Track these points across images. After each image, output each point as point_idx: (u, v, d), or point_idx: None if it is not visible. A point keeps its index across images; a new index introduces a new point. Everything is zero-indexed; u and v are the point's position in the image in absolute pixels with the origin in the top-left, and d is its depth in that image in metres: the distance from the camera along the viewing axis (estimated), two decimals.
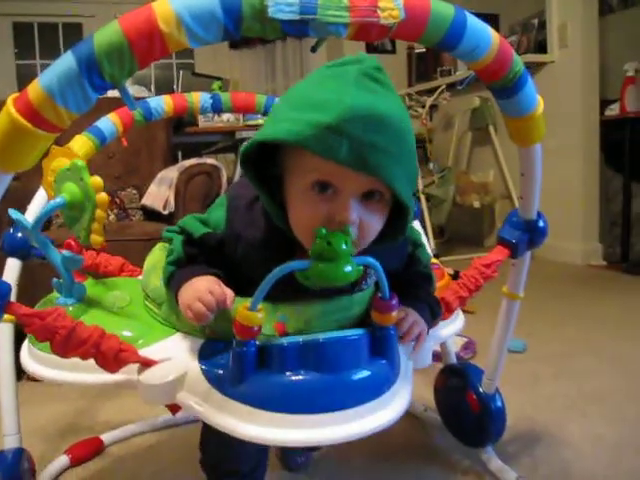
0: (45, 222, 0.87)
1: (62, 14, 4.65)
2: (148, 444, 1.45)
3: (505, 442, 1.36)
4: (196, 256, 0.79)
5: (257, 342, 0.67)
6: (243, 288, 0.73)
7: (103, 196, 0.79)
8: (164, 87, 4.54)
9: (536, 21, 3.83)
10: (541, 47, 3.73)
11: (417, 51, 4.87)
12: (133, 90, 3.56)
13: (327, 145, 0.61)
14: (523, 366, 1.88)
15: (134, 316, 0.86)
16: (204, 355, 0.72)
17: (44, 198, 1.13)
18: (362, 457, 1.35)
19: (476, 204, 3.93)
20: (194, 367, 0.71)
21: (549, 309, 2.57)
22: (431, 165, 4.11)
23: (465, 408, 1.30)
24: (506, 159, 3.90)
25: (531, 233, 1.03)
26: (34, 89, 0.51)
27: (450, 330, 1.03)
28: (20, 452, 1.09)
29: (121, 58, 0.50)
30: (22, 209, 1.11)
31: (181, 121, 3.34)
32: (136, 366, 0.72)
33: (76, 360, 0.71)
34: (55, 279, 0.89)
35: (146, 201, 2.65)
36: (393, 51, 4.97)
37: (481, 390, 1.28)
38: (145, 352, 0.73)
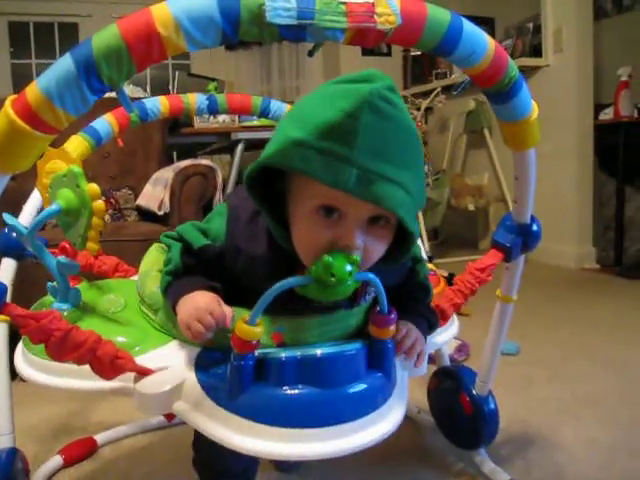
0: None
1: (58, 14, 4.63)
2: (141, 445, 1.44)
3: (498, 445, 1.37)
4: (194, 267, 0.77)
5: (255, 354, 0.67)
6: (241, 299, 0.73)
7: (99, 203, 0.78)
8: (159, 87, 4.53)
9: (531, 25, 3.85)
10: (536, 51, 3.75)
11: (413, 54, 4.88)
12: (128, 90, 3.55)
13: (336, 175, 0.59)
14: (516, 369, 1.89)
15: (129, 322, 0.85)
16: (201, 365, 0.72)
17: (39, 200, 1.13)
18: (355, 458, 1.33)
19: (470, 207, 3.95)
20: (191, 377, 0.71)
21: (543, 312, 2.58)
22: (426, 167, 4.11)
23: (458, 410, 1.31)
24: (501, 162, 3.91)
25: (525, 237, 1.04)
26: (32, 91, 0.51)
27: (445, 336, 1.04)
28: (14, 452, 1.09)
29: (119, 61, 0.50)
30: (17, 210, 1.11)
31: (177, 122, 3.34)
32: (132, 373, 0.72)
33: (70, 365, 0.71)
34: (50, 283, 0.89)
35: (141, 201, 2.65)
36: (389, 54, 4.97)
37: (474, 392, 1.28)
38: (141, 360, 0.73)
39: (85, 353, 0.68)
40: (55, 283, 0.88)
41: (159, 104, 1.37)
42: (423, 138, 4.13)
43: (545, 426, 1.50)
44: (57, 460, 1.31)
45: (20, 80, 4.45)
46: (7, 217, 0.82)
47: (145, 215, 2.62)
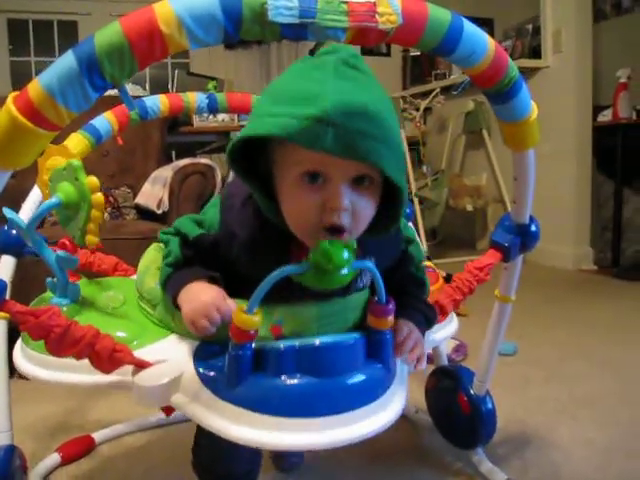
0: None
1: (57, 11, 4.63)
2: (139, 443, 1.45)
3: (496, 444, 1.37)
4: (193, 258, 0.78)
5: (253, 345, 0.67)
6: (238, 289, 0.73)
7: (99, 196, 0.79)
8: (159, 86, 4.52)
9: (530, 26, 3.86)
10: (535, 52, 3.75)
11: (412, 54, 4.88)
12: (128, 88, 3.54)
13: (312, 136, 0.61)
14: (514, 369, 1.89)
15: (128, 317, 0.86)
16: (199, 357, 0.72)
17: (38, 197, 1.13)
18: (354, 458, 1.35)
19: (469, 207, 3.95)
20: (189, 369, 0.71)
21: (540, 313, 2.58)
22: (424, 168, 4.12)
23: (456, 410, 1.31)
24: (499, 163, 3.91)
25: (523, 237, 1.04)
26: (34, 88, 0.51)
27: (444, 334, 1.04)
28: (12, 449, 1.09)
29: (121, 58, 0.50)
30: (17, 207, 1.10)
31: (176, 121, 3.33)
32: (130, 367, 0.72)
33: (70, 360, 0.71)
34: (49, 279, 0.89)
35: (140, 200, 2.64)
36: (388, 54, 4.98)
37: (472, 392, 1.29)
38: (140, 354, 0.73)
39: (84, 348, 0.68)
40: (54, 279, 0.88)
41: (159, 102, 1.37)
42: (422, 138, 4.14)
43: (542, 426, 1.50)
44: (55, 458, 1.31)
45: (19, 78, 4.45)
46: (7, 211, 0.83)
47: (144, 214, 2.62)
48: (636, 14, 3.50)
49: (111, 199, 2.67)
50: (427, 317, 0.86)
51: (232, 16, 0.50)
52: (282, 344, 0.69)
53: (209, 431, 0.68)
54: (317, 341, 0.70)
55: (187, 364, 0.72)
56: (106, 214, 2.63)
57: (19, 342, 0.88)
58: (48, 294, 0.91)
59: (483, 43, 0.64)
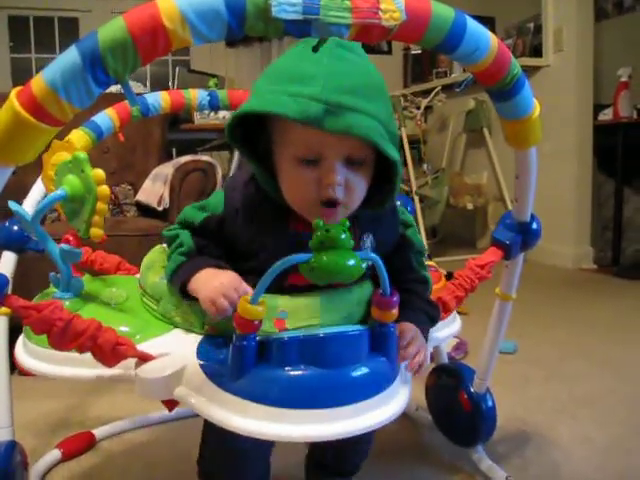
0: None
1: (58, 8, 4.62)
2: (139, 439, 1.45)
3: (495, 442, 1.37)
4: (205, 247, 0.80)
5: (257, 337, 0.67)
6: (244, 270, 0.75)
7: (104, 188, 0.79)
8: (160, 83, 4.51)
9: (532, 25, 3.85)
10: (536, 51, 3.75)
11: (413, 52, 4.88)
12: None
13: (307, 113, 0.65)
14: (514, 367, 1.89)
15: (131, 312, 0.86)
16: (203, 350, 0.73)
17: (41, 192, 1.13)
18: None
19: (469, 205, 3.95)
20: (192, 362, 0.71)
21: (540, 312, 2.58)
22: (425, 166, 4.12)
23: (456, 407, 1.31)
24: (500, 161, 3.91)
25: (524, 235, 1.04)
26: (38, 83, 0.51)
27: (447, 332, 1.04)
28: (13, 445, 1.09)
29: (125, 54, 0.50)
30: (18, 203, 1.10)
31: (177, 118, 3.33)
32: (132, 361, 0.72)
33: (72, 354, 0.71)
34: (52, 273, 0.89)
35: (140, 197, 2.64)
36: (389, 52, 4.97)
37: (472, 390, 1.29)
38: (142, 347, 0.74)
39: (86, 341, 0.68)
40: (57, 274, 0.88)
41: (160, 99, 1.37)
42: (422, 137, 4.14)
43: (542, 425, 1.50)
44: (55, 454, 1.31)
45: (20, 74, 4.44)
46: (12, 204, 0.83)
47: (144, 211, 2.62)
48: (637, 13, 3.49)
49: (112, 196, 2.67)
50: (430, 316, 0.86)
51: (236, 12, 0.50)
52: (286, 335, 0.70)
53: (213, 442, 0.68)
54: (321, 332, 0.70)
55: (190, 357, 0.72)
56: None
57: (21, 337, 0.89)
58: (51, 289, 0.91)
59: (486, 40, 0.64)
